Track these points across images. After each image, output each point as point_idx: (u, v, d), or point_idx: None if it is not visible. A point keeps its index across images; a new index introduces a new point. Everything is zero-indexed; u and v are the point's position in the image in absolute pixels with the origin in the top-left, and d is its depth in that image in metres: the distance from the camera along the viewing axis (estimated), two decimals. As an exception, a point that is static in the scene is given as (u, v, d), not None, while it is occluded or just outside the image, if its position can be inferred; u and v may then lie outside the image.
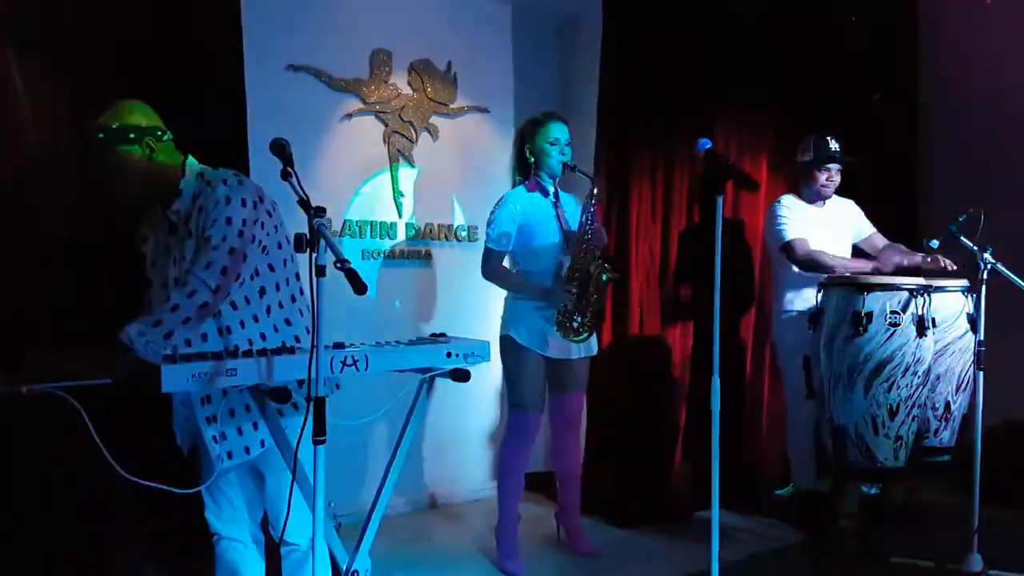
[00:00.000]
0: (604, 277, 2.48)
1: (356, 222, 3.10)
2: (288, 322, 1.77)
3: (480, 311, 3.43)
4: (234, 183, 1.69)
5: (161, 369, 1.45)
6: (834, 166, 2.96)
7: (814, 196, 3.02)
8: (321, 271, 1.45)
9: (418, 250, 3.26)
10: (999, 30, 3.59)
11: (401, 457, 1.85)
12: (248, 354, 1.59)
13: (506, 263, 2.64)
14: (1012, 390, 2.97)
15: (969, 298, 2.58)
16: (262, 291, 1.73)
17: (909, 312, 2.49)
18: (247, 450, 1.72)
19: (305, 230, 1.46)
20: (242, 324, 1.70)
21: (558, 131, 2.55)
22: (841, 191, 3.08)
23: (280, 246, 1.77)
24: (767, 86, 3.42)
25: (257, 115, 2.45)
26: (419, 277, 3.27)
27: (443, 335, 1.91)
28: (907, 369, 2.48)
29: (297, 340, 1.75)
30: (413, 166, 3.24)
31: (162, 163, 1.69)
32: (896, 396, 2.48)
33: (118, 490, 1.59)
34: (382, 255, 3.17)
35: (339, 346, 1.68)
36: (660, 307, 3.25)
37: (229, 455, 1.71)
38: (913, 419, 2.53)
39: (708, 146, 1.98)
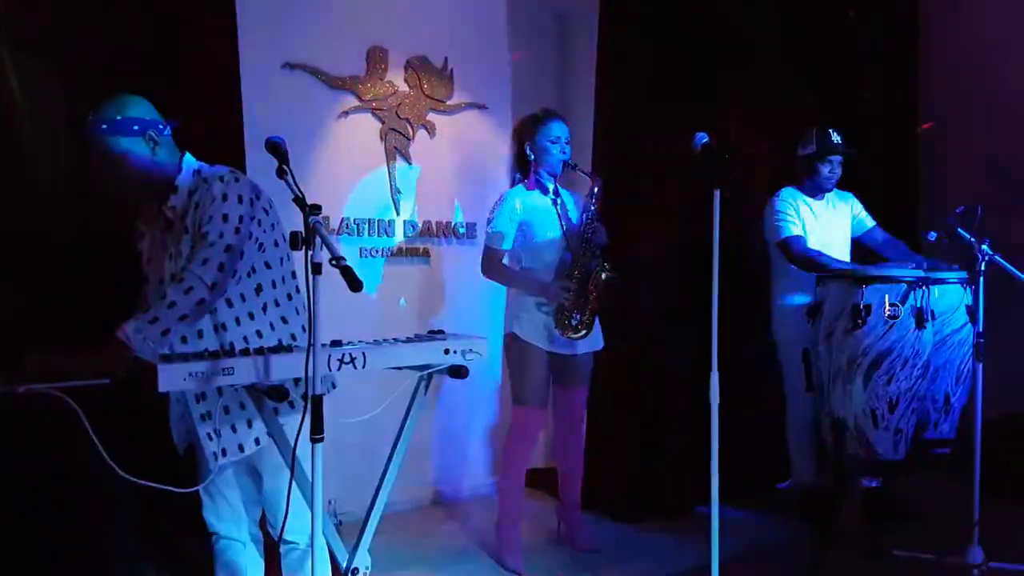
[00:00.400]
0: (604, 276, 2.49)
1: (354, 220, 3.10)
2: (284, 320, 1.76)
3: (478, 308, 3.43)
4: (230, 180, 1.68)
5: (158, 368, 1.45)
6: (836, 159, 2.96)
7: (815, 189, 3.01)
8: (317, 268, 1.45)
9: (416, 247, 3.26)
10: (999, 23, 3.58)
11: (400, 454, 1.85)
12: (245, 353, 1.59)
13: (507, 261, 2.64)
14: (1012, 382, 2.97)
15: (968, 290, 2.58)
16: (258, 288, 1.73)
17: (908, 304, 2.48)
18: (241, 448, 1.71)
19: (301, 228, 1.46)
20: (238, 321, 1.70)
21: (559, 129, 2.56)
22: (841, 184, 3.07)
23: (276, 243, 1.77)
24: (764, 81, 3.41)
25: (253, 113, 2.45)
26: (417, 274, 3.27)
27: (441, 332, 1.91)
28: (906, 362, 2.47)
29: (293, 338, 1.75)
30: (410, 163, 3.23)
31: (163, 158, 1.69)
32: (895, 389, 2.48)
33: (116, 490, 1.59)
34: (380, 253, 3.16)
35: (336, 344, 1.68)
36: (658, 302, 3.25)
37: (223, 452, 1.70)
38: (913, 412, 2.53)
39: (705, 140, 1.98)
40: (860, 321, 2.47)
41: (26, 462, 1.87)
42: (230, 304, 1.69)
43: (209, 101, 2.26)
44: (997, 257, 2.43)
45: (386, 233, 3.18)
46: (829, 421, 2.63)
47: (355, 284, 1.39)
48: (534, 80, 3.53)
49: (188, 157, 1.75)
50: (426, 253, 3.28)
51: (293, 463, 1.59)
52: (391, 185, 3.19)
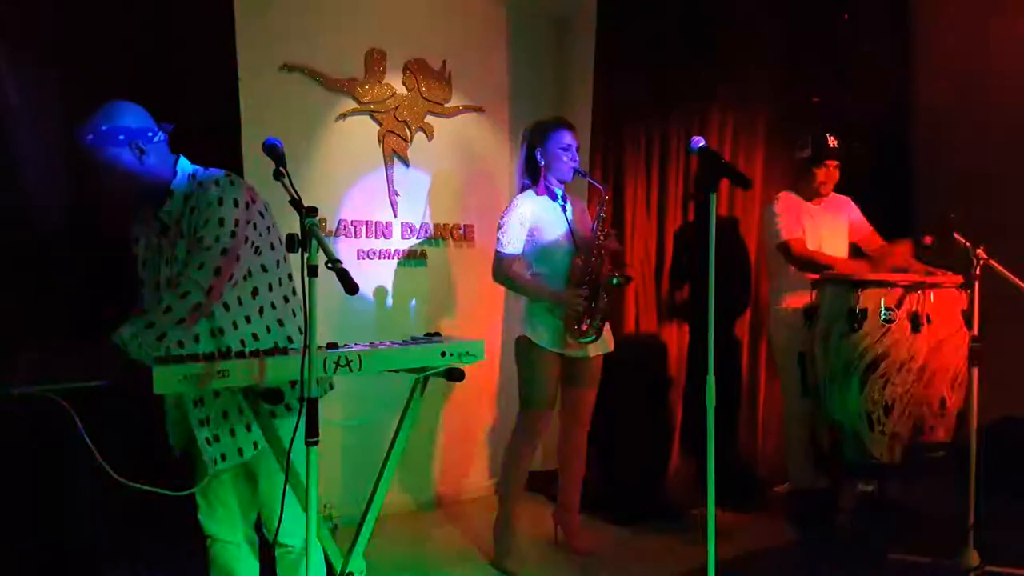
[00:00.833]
0: (614, 282, 2.54)
1: (351, 222, 3.09)
2: (281, 323, 1.76)
3: (476, 311, 3.43)
4: (226, 183, 1.68)
5: (153, 370, 1.44)
6: (832, 163, 2.96)
7: (812, 193, 3.02)
8: (313, 271, 1.45)
9: (413, 250, 3.26)
10: (995, 24, 3.60)
11: (396, 458, 1.85)
12: (240, 355, 1.59)
13: (517, 267, 2.66)
14: (1007, 385, 2.98)
15: (963, 294, 2.59)
16: (255, 292, 1.73)
17: (904, 308, 2.49)
18: (240, 452, 1.71)
19: (297, 230, 1.46)
20: (235, 325, 1.69)
21: (569, 137, 2.60)
22: (837, 188, 3.08)
23: (273, 247, 1.76)
24: (761, 85, 3.42)
25: (251, 115, 2.45)
26: (414, 277, 3.26)
27: (437, 334, 1.91)
28: (902, 366, 2.48)
29: (290, 340, 1.75)
30: (408, 166, 3.23)
31: (153, 165, 1.69)
32: (891, 392, 2.49)
33: (111, 493, 1.58)
34: (377, 255, 3.16)
35: (332, 346, 1.67)
36: (656, 305, 3.25)
37: (223, 457, 1.70)
38: (909, 415, 2.53)
39: (702, 144, 1.98)
40: (856, 325, 2.48)
41: (20, 465, 1.86)
42: (227, 308, 1.69)
43: (207, 103, 2.25)
44: (992, 262, 2.44)
45: (384, 235, 3.18)
46: (826, 425, 2.64)
47: (351, 287, 1.39)
48: (532, 83, 3.54)
49: (183, 161, 1.75)
50: (423, 255, 3.28)
51: (288, 466, 1.58)
52: (389, 187, 3.19)
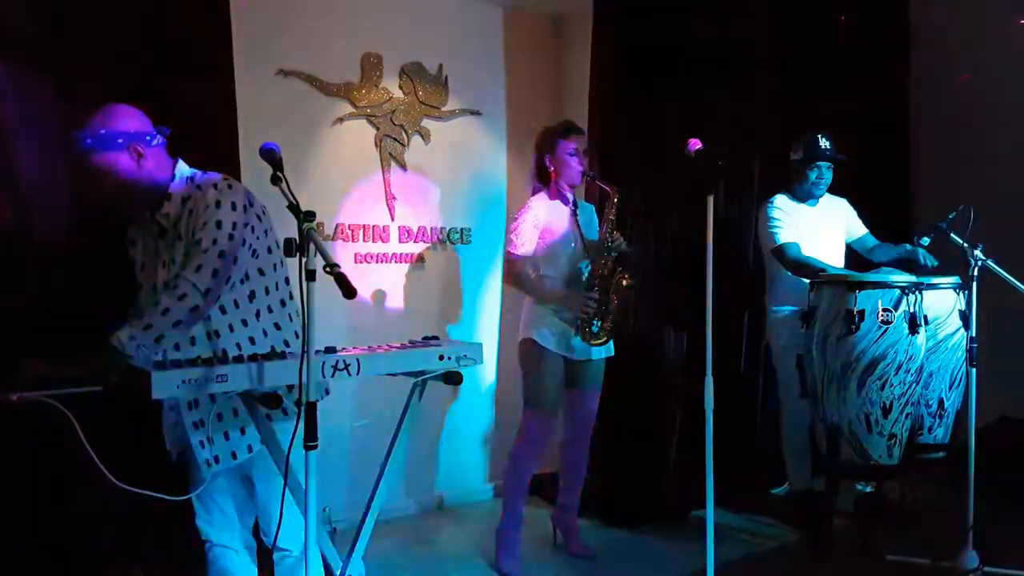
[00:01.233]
0: (624, 283, 2.57)
1: (348, 226, 3.10)
2: (278, 326, 1.76)
3: (474, 314, 3.43)
4: (224, 187, 1.68)
5: (151, 375, 1.44)
6: (824, 164, 2.97)
7: (806, 195, 3.03)
8: (311, 275, 1.45)
9: (411, 253, 3.26)
10: (990, 27, 3.61)
11: (394, 461, 1.85)
12: (239, 360, 1.59)
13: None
14: (1005, 386, 2.99)
15: (961, 295, 2.59)
16: (252, 295, 1.73)
17: (901, 309, 2.50)
18: (234, 455, 1.71)
19: (295, 235, 1.46)
20: (231, 328, 1.69)
21: (578, 142, 2.64)
22: (834, 190, 3.09)
23: (270, 250, 1.77)
24: (759, 85, 3.43)
25: (248, 119, 2.45)
26: (412, 280, 3.26)
27: (435, 338, 1.91)
28: (900, 367, 2.48)
29: (286, 344, 1.75)
30: (405, 170, 3.23)
31: (151, 169, 1.69)
32: (889, 394, 2.49)
33: (109, 498, 1.58)
34: (374, 259, 3.16)
35: (330, 350, 1.67)
36: (654, 307, 3.25)
37: (216, 460, 1.70)
38: (907, 416, 2.54)
39: (699, 147, 1.99)
40: (854, 327, 2.48)
41: (19, 470, 1.86)
42: (223, 311, 1.69)
43: (204, 108, 2.25)
44: (990, 262, 2.45)
45: (381, 239, 3.18)
46: (823, 426, 2.64)
47: (349, 291, 1.39)
48: (529, 86, 3.55)
49: (182, 164, 1.75)
50: (421, 259, 3.28)
51: (287, 470, 1.58)
52: (386, 191, 3.19)
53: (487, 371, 3.46)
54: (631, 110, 3.18)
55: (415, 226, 3.26)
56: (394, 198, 3.20)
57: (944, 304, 2.60)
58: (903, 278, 2.56)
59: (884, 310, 2.49)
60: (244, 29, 2.49)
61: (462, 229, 3.38)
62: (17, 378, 1.44)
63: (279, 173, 1.49)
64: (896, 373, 2.49)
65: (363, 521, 1.81)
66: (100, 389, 1.47)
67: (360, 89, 3.10)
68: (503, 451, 3.03)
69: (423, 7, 3.24)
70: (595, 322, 2.55)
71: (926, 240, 2.64)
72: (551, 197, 2.65)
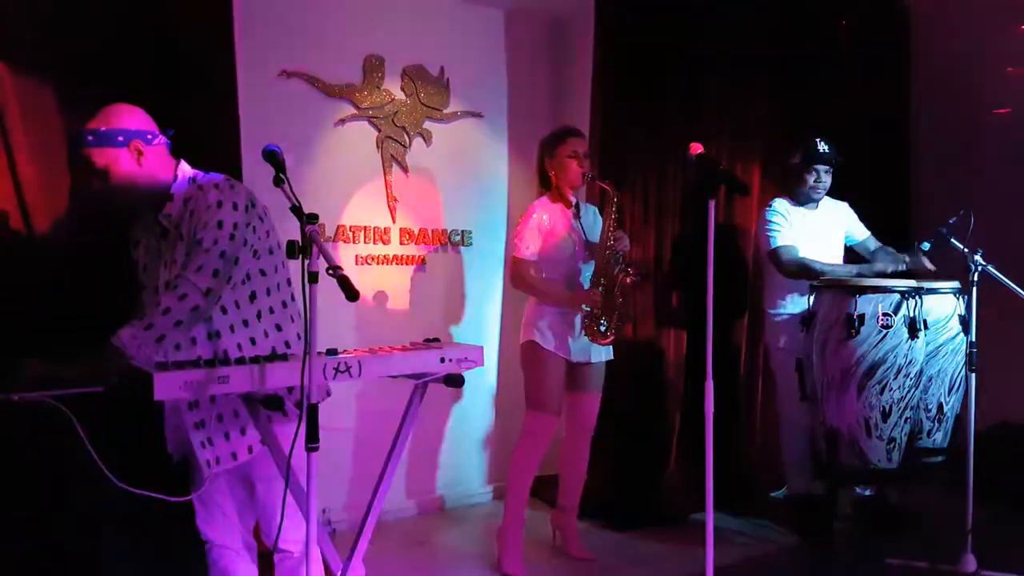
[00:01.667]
0: (629, 281, 2.60)
1: (350, 227, 3.10)
2: (279, 327, 1.76)
3: (475, 316, 3.44)
4: (226, 187, 1.69)
5: (153, 376, 1.45)
6: (823, 167, 2.97)
7: (805, 198, 3.03)
8: (314, 277, 1.45)
9: (412, 255, 3.26)
10: (991, 30, 3.62)
11: (395, 463, 1.85)
12: (240, 361, 1.59)
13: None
14: (1004, 391, 2.99)
15: (961, 299, 2.59)
16: (253, 296, 1.73)
17: (901, 314, 2.50)
18: (234, 456, 1.71)
19: (297, 236, 1.46)
20: (232, 328, 1.70)
21: (578, 145, 2.67)
22: (833, 193, 3.09)
23: (271, 251, 1.77)
24: (760, 89, 3.43)
25: (250, 121, 2.45)
26: (413, 282, 3.27)
27: (436, 340, 1.91)
28: (899, 371, 2.49)
29: (287, 345, 1.75)
30: (406, 172, 3.24)
31: (152, 168, 1.69)
32: (889, 398, 2.49)
33: (110, 497, 1.58)
34: (376, 260, 3.16)
35: (331, 352, 1.68)
36: (654, 311, 3.26)
37: (217, 460, 1.70)
38: (906, 421, 2.54)
39: (700, 151, 1.99)
40: (853, 331, 2.48)
41: (20, 470, 1.86)
42: (224, 311, 1.69)
43: (206, 108, 2.26)
44: (990, 267, 2.45)
45: (382, 241, 3.18)
46: (823, 430, 2.64)
47: (352, 294, 1.40)
48: (531, 89, 3.55)
49: (184, 165, 1.76)
50: (422, 261, 3.29)
51: (287, 472, 1.58)
52: (387, 193, 3.19)
53: (488, 373, 3.46)
54: (632, 112, 3.19)
55: (416, 228, 3.27)
56: (395, 200, 3.21)
57: (944, 309, 2.60)
58: (903, 282, 2.56)
59: (884, 314, 2.49)
60: (246, 30, 2.50)
61: (463, 231, 3.39)
62: (18, 379, 1.45)
63: (282, 175, 1.50)
64: (896, 377, 2.49)
65: (364, 522, 1.81)
66: (101, 390, 1.47)
67: (362, 91, 3.10)
68: (504, 453, 3.04)
69: (425, 9, 3.25)
70: (602, 321, 2.57)
71: (926, 245, 2.64)
72: (552, 201, 2.68)
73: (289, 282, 1.82)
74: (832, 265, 2.94)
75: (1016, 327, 2.89)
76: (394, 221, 3.21)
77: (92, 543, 1.97)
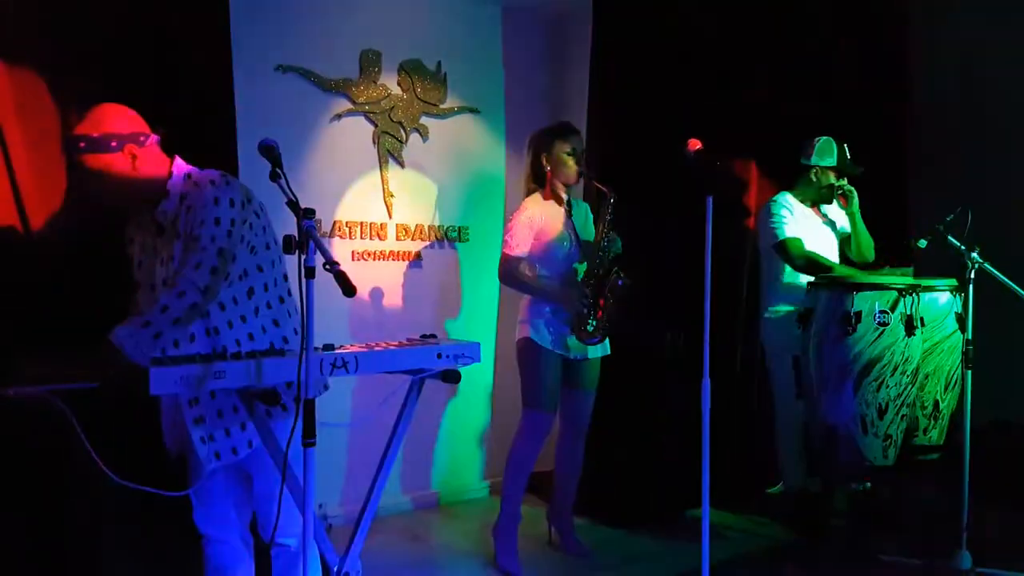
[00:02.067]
0: (619, 283, 2.57)
1: (346, 223, 3.09)
2: (276, 323, 1.76)
3: (471, 312, 3.43)
4: (222, 183, 1.68)
5: (149, 372, 1.44)
6: (844, 179, 2.97)
7: (813, 199, 3.03)
8: (310, 273, 1.45)
9: (409, 251, 3.25)
10: (988, 30, 3.62)
11: (392, 458, 1.85)
12: (237, 356, 1.58)
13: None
14: (1000, 388, 3.00)
15: (957, 297, 2.60)
16: (250, 292, 1.72)
17: (897, 311, 2.50)
18: (235, 451, 1.71)
19: (294, 231, 1.45)
20: (230, 324, 1.69)
21: (575, 142, 2.64)
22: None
23: (268, 247, 1.76)
24: (758, 86, 3.43)
25: (246, 116, 2.44)
26: (410, 278, 3.26)
27: (433, 336, 1.91)
28: (896, 368, 2.49)
29: (285, 341, 1.75)
30: (403, 167, 3.23)
31: (146, 168, 1.68)
32: (885, 395, 2.50)
33: (107, 493, 1.58)
34: (372, 256, 3.16)
35: (328, 348, 1.67)
36: (651, 306, 3.25)
37: (217, 456, 1.70)
38: (902, 418, 2.55)
39: (698, 148, 1.99)
40: (850, 328, 2.49)
41: (16, 466, 1.85)
42: (222, 307, 1.68)
43: (202, 104, 2.24)
44: (987, 265, 2.45)
45: (379, 236, 3.17)
46: (819, 427, 2.65)
47: (349, 290, 1.40)
48: (528, 84, 3.54)
49: (179, 161, 1.75)
50: (419, 257, 3.28)
51: (285, 467, 1.58)
52: (384, 188, 3.18)
53: (484, 369, 3.46)
54: (630, 108, 3.18)
55: (413, 224, 3.26)
56: (392, 195, 3.20)
57: (940, 306, 2.60)
58: (900, 280, 2.56)
59: (881, 312, 2.50)
60: (242, 25, 2.48)
61: (460, 227, 3.38)
62: (14, 374, 1.44)
63: (278, 169, 1.49)
64: (892, 375, 2.50)
65: (361, 517, 1.81)
66: (97, 385, 1.46)
67: (358, 85, 3.09)
68: (500, 449, 3.04)
69: (422, 4, 3.24)
70: (590, 320, 2.56)
71: (923, 243, 2.65)
72: (545, 197, 2.66)
73: (286, 277, 1.81)
74: (841, 265, 2.94)
75: (1012, 325, 2.90)
76: (390, 217, 3.20)
77: (89, 539, 1.97)
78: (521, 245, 2.59)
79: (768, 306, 3.07)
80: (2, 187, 1.97)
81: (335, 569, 1.77)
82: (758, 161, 3.53)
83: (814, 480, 2.92)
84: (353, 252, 3.11)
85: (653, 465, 3.20)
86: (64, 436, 1.43)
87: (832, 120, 3.29)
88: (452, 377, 1.79)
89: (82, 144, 1.63)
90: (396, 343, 1.83)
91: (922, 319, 2.53)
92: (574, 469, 2.78)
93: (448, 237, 3.35)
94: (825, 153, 2.98)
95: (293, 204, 1.47)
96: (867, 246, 3.06)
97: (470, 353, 1.83)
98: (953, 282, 2.62)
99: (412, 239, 3.26)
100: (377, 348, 1.76)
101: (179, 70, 2.19)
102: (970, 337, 2.44)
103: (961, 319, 2.54)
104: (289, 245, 1.46)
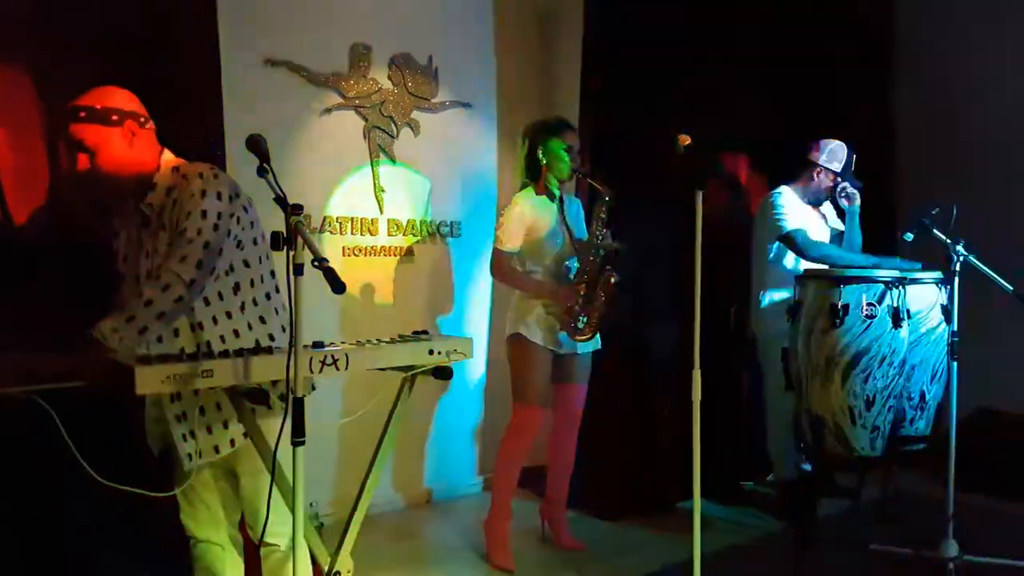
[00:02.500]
0: (612, 280, 2.58)
1: (336, 218, 3.07)
2: (263, 320, 1.74)
3: (463, 308, 3.43)
4: (209, 177, 1.66)
5: (135, 371, 1.42)
6: (848, 182, 3.00)
7: (814, 198, 3.06)
8: (299, 269, 1.44)
9: (400, 246, 3.24)
10: (975, 28, 3.65)
11: (384, 455, 1.84)
12: (224, 354, 1.57)
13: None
14: (985, 379, 3.03)
15: (943, 289, 2.62)
16: (236, 287, 1.71)
17: (885, 304, 2.52)
18: (216, 449, 1.69)
19: (282, 227, 1.44)
20: (215, 320, 1.68)
21: (571, 139, 2.63)
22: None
23: (256, 242, 1.75)
24: (749, 81, 3.44)
25: (234, 110, 2.42)
26: (401, 274, 3.25)
27: (425, 332, 1.90)
28: (883, 360, 2.51)
29: (271, 338, 1.73)
30: (394, 162, 3.21)
31: (140, 152, 1.67)
32: (872, 387, 2.52)
33: (93, 494, 1.56)
34: (363, 252, 3.14)
35: (318, 345, 1.66)
36: (643, 300, 3.26)
37: (198, 454, 1.68)
38: (889, 409, 2.57)
39: (689, 142, 1.99)
40: (838, 320, 2.50)
41: (6, 466, 1.83)
42: (207, 302, 1.67)
43: (189, 97, 2.23)
44: (971, 258, 2.48)
45: (369, 232, 3.16)
46: (808, 419, 2.66)
47: (338, 286, 1.38)
48: (519, 78, 3.53)
49: (167, 154, 1.73)
50: (410, 252, 3.27)
51: (274, 466, 1.57)
52: (375, 183, 3.17)
53: (477, 365, 3.46)
54: (622, 102, 3.17)
55: (404, 219, 3.24)
56: (383, 190, 3.18)
57: (927, 298, 2.62)
58: (887, 273, 2.58)
59: (868, 304, 2.51)
60: (231, 18, 2.46)
61: (452, 222, 3.37)
62: (-1, 373, 1.42)
63: (266, 164, 1.48)
64: (879, 366, 2.51)
65: (352, 515, 1.80)
66: (81, 384, 1.45)
67: (348, 79, 3.07)
68: (492, 445, 3.04)
69: (412, -3, 3.22)
70: (581, 318, 2.56)
71: (909, 236, 2.66)
72: (538, 192, 2.65)
73: (273, 274, 1.80)
74: (850, 255, 2.95)
75: (996, 316, 2.93)
76: (381, 212, 3.19)
77: (75, 539, 1.95)
78: (513, 240, 2.59)
79: (759, 299, 3.09)
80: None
81: (327, 568, 1.76)
82: (750, 154, 3.54)
83: (803, 471, 2.95)
84: (344, 248, 3.09)
85: (644, 458, 3.22)
86: (48, 436, 1.41)
87: (824, 114, 3.30)
88: (444, 374, 1.79)
89: (83, 114, 1.60)
90: (387, 339, 1.82)
91: (908, 311, 2.55)
92: (566, 463, 2.79)
93: (440, 232, 3.34)
94: (835, 157, 3.01)
95: (281, 199, 1.46)
96: (857, 244, 3.09)
97: (463, 349, 1.82)
98: (939, 275, 2.65)
99: (403, 235, 3.25)
100: (368, 345, 1.75)
101: (166, 63, 2.17)
102: (955, 329, 2.47)
103: (947, 311, 2.56)
104: (277, 241, 1.44)
